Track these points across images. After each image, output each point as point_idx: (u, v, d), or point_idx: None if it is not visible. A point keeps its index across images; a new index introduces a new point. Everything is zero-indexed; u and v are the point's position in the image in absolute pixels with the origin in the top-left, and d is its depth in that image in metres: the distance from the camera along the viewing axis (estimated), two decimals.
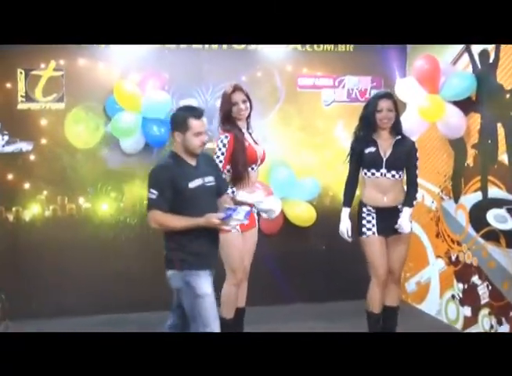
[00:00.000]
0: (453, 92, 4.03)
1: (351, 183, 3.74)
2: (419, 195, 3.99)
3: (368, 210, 3.66)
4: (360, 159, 3.66)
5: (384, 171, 3.60)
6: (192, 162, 3.07)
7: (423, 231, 4.72)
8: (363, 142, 3.65)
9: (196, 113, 3.02)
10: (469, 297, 4.20)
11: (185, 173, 3.02)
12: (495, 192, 3.93)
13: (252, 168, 3.58)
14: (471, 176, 4.15)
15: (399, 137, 3.69)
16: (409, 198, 3.66)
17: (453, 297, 4.36)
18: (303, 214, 4.74)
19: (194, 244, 3.00)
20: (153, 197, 2.96)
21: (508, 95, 3.80)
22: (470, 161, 4.18)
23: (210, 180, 3.10)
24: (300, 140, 4.86)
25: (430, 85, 4.08)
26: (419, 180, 3.69)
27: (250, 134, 3.66)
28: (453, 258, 4.36)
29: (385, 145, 3.64)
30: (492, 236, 3.95)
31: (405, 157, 3.64)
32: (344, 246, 3.81)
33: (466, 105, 4.07)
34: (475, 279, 4.12)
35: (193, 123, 3.00)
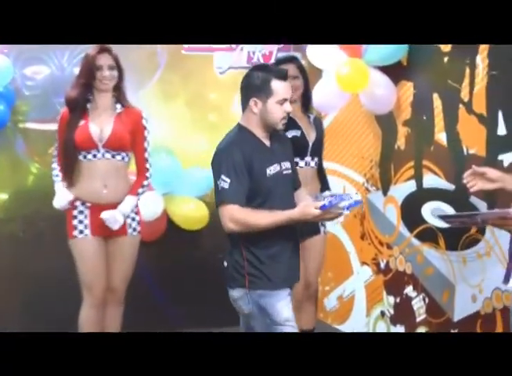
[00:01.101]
0: (379, 56, 3.99)
1: None
2: (339, 186, 4.10)
3: None
4: None
5: (308, 159, 3.73)
6: (267, 142, 2.92)
7: (344, 232, 4.72)
8: None
9: (281, 73, 2.87)
10: (402, 313, 4.19)
11: (261, 155, 2.85)
12: (431, 180, 3.93)
13: (94, 156, 3.54)
14: (403, 161, 4.13)
15: (313, 115, 3.82)
16: (326, 187, 3.83)
17: (383, 314, 4.36)
18: (192, 214, 4.68)
19: (272, 254, 2.85)
20: (226, 186, 2.77)
21: (446, 59, 3.78)
22: (401, 143, 4.15)
23: (287, 167, 2.96)
24: (187, 118, 4.76)
25: (351, 47, 4.02)
26: (338, 167, 3.68)
27: (115, 110, 3.64)
28: (382, 264, 4.36)
29: (306, 126, 3.74)
30: (429, 236, 3.94)
31: (321, 141, 3.79)
32: None
33: (395, 71, 4.03)
34: (409, 290, 4.11)
35: (278, 86, 2.82)
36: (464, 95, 3.67)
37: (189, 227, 4.69)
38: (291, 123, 3.66)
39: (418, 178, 4.02)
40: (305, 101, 3.82)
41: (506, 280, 2.72)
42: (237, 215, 2.77)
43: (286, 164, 2.96)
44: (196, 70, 4.74)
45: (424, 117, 3.95)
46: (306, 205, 2.79)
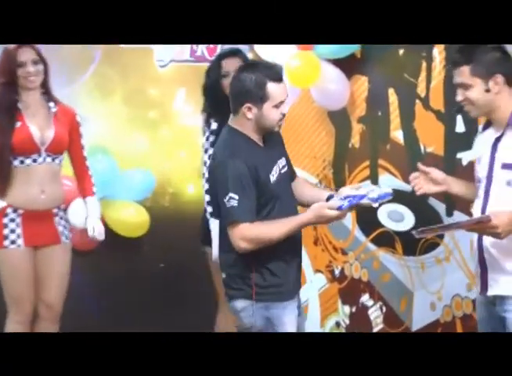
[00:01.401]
0: (331, 48, 3.93)
1: None
2: None
3: None
4: None
5: None
6: (261, 142, 2.87)
7: None
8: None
9: (276, 74, 2.80)
10: (358, 323, 4.17)
11: (262, 161, 2.80)
12: (387, 180, 3.91)
13: (34, 160, 3.49)
14: (358, 161, 4.12)
15: None
16: None
17: (338, 324, 4.33)
18: (131, 219, 4.64)
19: (284, 264, 2.83)
20: (235, 203, 2.70)
21: (401, 52, 3.79)
22: (355, 141, 4.14)
23: (283, 164, 2.92)
24: (124, 116, 4.70)
25: None
26: None
27: (50, 109, 3.60)
28: (337, 272, 4.31)
29: None
30: (386, 240, 3.95)
31: None
32: (191, 263, 3.90)
33: (348, 65, 4.00)
34: (365, 299, 4.12)
35: (274, 89, 2.76)
36: (421, 90, 3.68)
37: (128, 234, 4.63)
38: None
39: (373, 178, 4.02)
40: None
41: (484, 290, 2.71)
42: (249, 234, 2.72)
43: (282, 162, 2.92)
44: (134, 63, 4.64)
45: (380, 114, 3.95)
46: (321, 206, 2.73)
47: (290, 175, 2.99)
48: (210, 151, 3.58)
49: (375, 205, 2.74)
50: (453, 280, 3.64)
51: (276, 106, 2.79)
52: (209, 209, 3.57)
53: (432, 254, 3.73)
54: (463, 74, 2.59)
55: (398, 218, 3.87)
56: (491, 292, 2.67)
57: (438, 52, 3.58)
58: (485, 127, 2.75)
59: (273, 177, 2.83)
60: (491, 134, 2.69)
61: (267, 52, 4.14)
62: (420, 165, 2.82)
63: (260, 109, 2.78)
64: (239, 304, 2.87)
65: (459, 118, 3.55)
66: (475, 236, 2.71)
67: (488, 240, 2.62)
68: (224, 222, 2.81)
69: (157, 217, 4.70)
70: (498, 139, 2.64)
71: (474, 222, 2.56)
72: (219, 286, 3.72)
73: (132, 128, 4.73)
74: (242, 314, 2.87)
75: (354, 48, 3.98)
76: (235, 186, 2.73)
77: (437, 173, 2.80)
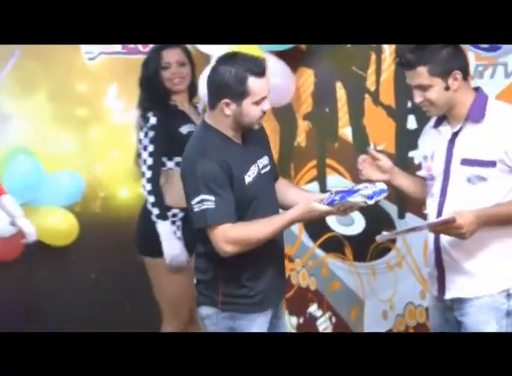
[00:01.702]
0: None
1: (158, 183, 3.64)
2: None
3: (173, 215, 3.64)
4: (170, 143, 3.59)
5: None
6: (240, 140, 2.84)
7: None
8: (170, 117, 3.65)
9: (258, 67, 2.76)
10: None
11: (237, 160, 2.76)
12: (336, 181, 3.93)
13: None
14: (304, 160, 4.13)
15: (201, 105, 3.81)
16: None
17: None
18: (59, 226, 4.62)
19: (255, 275, 2.83)
20: (211, 205, 2.68)
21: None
22: (301, 139, 4.14)
23: (265, 164, 2.89)
24: (50, 114, 4.65)
25: None
26: None
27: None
28: None
29: (197, 118, 3.70)
30: (335, 245, 3.97)
31: None
32: (126, 275, 3.94)
33: (293, 57, 3.97)
34: (313, 309, 4.13)
35: (256, 84, 2.72)
36: (370, 84, 3.71)
37: (55, 243, 4.60)
38: (182, 116, 3.66)
39: (321, 179, 4.03)
40: (192, 91, 3.77)
41: (441, 293, 2.73)
42: (233, 235, 2.70)
43: (264, 161, 2.90)
44: (60, 56, 4.53)
45: (327, 110, 3.96)
46: (308, 201, 2.70)
47: (272, 176, 2.98)
48: (151, 148, 3.57)
49: (370, 203, 2.70)
50: (406, 288, 3.70)
51: (257, 103, 2.75)
52: (155, 211, 3.55)
53: (383, 259, 3.78)
54: (421, 75, 2.61)
55: (347, 222, 3.89)
56: (449, 295, 2.70)
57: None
58: (438, 123, 2.78)
59: (249, 178, 2.80)
60: (446, 130, 2.72)
61: (208, 46, 4.14)
62: (370, 149, 2.89)
63: (239, 105, 2.74)
64: (204, 311, 2.88)
65: (411, 115, 3.59)
66: (430, 238, 2.74)
67: (446, 241, 2.66)
68: (197, 226, 2.77)
69: (87, 223, 4.68)
70: (455, 134, 2.67)
71: (439, 223, 2.57)
72: (163, 299, 3.74)
73: (59, 127, 4.68)
74: (206, 321, 2.89)
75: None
76: (208, 187, 2.70)
77: (385, 161, 2.87)
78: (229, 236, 2.70)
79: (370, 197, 2.68)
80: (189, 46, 3.97)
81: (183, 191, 2.80)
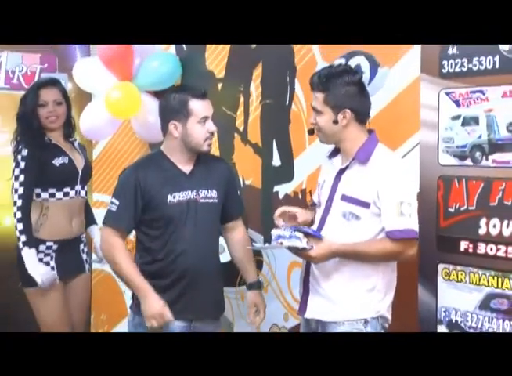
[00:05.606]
0: (150, 80, 4.00)
1: (29, 212, 3.61)
2: None
3: (47, 247, 3.65)
4: (43, 174, 3.61)
5: (78, 188, 3.76)
6: (186, 168, 2.97)
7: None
8: (43, 149, 3.65)
9: (198, 91, 2.96)
10: None
11: (167, 181, 2.92)
12: None
13: None
14: None
15: (77, 140, 3.89)
16: (92, 219, 4.06)
17: None
18: None
19: (162, 280, 2.95)
20: (113, 208, 2.92)
21: (220, 85, 3.89)
22: None
23: (209, 196, 2.99)
24: None
25: (120, 69, 3.98)
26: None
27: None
28: None
29: (73, 152, 3.79)
30: None
31: (89, 168, 3.97)
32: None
33: None
34: None
35: (196, 105, 2.92)
36: (239, 124, 3.77)
37: None
38: (57, 150, 3.70)
39: None
40: (68, 128, 3.80)
41: (302, 312, 2.79)
42: (110, 241, 2.92)
43: (208, 193, 3.01)
44: None
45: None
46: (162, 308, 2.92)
47: (214, 209, 3.05)
48: (21, 178, 3.55)
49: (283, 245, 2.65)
50: (271, 310, 3.59)
51: (200, 122, 2.93)
52: (22, 238, 3.53)
53: None
54: (317, 99, 2.65)
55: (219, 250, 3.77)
56: (308, 315, 2.76)
57: (255, 86, 3.68)
58: (332, 155, 2.79)
59: (173, 198, 2.93)
60: (337, 163, 2.74)
61: (87, 84, 4.15)
62: (286, 208, 2.87)
63: (184, 125, 2.92)
64: (129, 312, 3.09)
65: (276, 152, 3.63)
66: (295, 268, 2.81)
67: (314, 266, 2.70)
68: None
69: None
70: (342, 171, 2.69)
71: (298, 248, 2.60)
72: (43, 326, 3.68)
73: None
74: (128, 322, 3.09)
75: (174, 81, 4.01)
76: (119, 192, 2.95)
77: (302, 215, 2.86)
78: (109, 239, 2.94)
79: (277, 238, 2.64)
80: (69, 85, 4.00)
81: None
